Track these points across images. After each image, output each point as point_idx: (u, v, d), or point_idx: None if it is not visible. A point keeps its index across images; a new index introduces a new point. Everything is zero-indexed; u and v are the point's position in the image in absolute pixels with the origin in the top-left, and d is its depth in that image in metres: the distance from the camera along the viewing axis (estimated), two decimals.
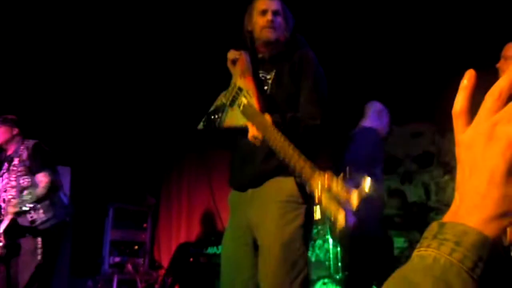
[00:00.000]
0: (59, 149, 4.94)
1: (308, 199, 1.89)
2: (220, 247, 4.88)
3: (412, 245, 3.96)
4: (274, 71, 2.11)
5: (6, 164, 3.48)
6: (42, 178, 3.31)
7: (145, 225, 5.87)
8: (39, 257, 3.21)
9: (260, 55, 2.20)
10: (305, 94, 2.03)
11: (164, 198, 6.23)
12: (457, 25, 4.18)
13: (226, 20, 4.63)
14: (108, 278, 5.23)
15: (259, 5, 2.16)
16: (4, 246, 3.24)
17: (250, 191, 2.01)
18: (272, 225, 1.85)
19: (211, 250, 4.99)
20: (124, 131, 5.96)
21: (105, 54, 5.26)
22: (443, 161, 5.02)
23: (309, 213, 1.91)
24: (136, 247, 5.74)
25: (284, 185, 1.90)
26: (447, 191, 4.84)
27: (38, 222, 3.28)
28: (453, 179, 4.89)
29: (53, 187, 3.36)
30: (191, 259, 5.08)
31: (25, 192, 3.28)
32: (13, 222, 3.26)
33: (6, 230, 3.24)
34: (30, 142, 3.47)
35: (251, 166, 1.98)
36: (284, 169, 1.76)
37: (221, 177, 5.65)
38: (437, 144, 5.10)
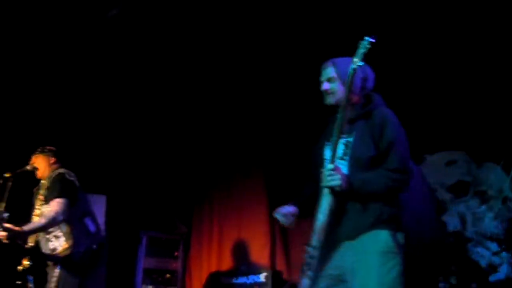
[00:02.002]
0: (95, 178, 5.11)
1: (401, 250, 2.10)
2: (250, 277, 4.88)
3: (446, 278, 3.83)
4: (354, 133, 2.24)
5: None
6: (50, 207, 3.31)
7: (176, 253, 5.91)
8: (52, 285, 3.22)
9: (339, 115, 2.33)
10: (389, 158, 2.17)
11: (196, 227, 6.28)
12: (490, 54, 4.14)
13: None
14: None
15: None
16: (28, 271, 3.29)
17: (345, 242, 2.18)
18: (373, 274, 2.02)
19: (241, 280, 4.97)
20: (157, 161, 6.09)
21: (141, 86, 5.44)
22: (478, 191, 4.88)
23: (403, 262, 2.09)
24: (168, 275, 5.77)
25: (380, 237, 2.10)
26: (485, 222, 4.69)
27: (59, 249, 3.32)
28: (490, 209, 4.74)
29: (61, 218, 3.30)
30: None
31: None
32: (35, 250, 3.32)
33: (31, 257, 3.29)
34: (56, 172, 3.51)
35: (348, 221, 2.15)
36: (379, 223, 2.05)
37: (251, 208, 5.69)
38: (472, 174, 4.97)
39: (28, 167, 3.55)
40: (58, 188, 3.37)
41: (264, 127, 5.62)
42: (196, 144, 6.08)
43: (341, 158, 2.21)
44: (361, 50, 2.18)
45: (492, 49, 4.11)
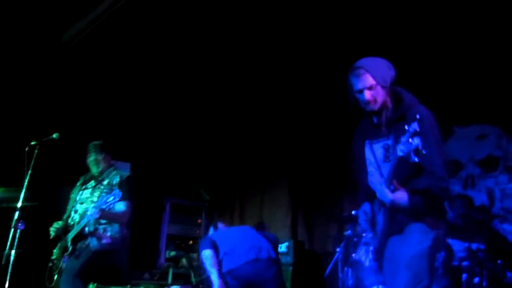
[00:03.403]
0: (121, 145, 5.14)
1: (435, 229, 2.28)
2: None
3: (473, 255, 3.77)
4: (392, 135, 2.28)
5: (92, 182, 3.62)
6: (123, 208, 3.44)
7: (199, 220, 5.98)
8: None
9: (375, 121, 2.36)
10: (430, 158, 2.16)
11: (219, 195, 6.33)
12: None
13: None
14: (164, 271, 5.39)
15: (354, 86, 2.30)
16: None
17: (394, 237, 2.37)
18: (411, 243, 2.26)
19: None
20: (182, 130, 6.09)
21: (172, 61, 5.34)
22: (509, 166, 4.73)
23: (437, 239, 2.27)
24: (191, 242, 5.87)
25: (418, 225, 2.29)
26: None
27: (102, 240, 3.38)
28: None
29: (128, 219, 3.48)
30: None
31: None
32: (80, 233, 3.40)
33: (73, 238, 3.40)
34: (124, 172, 3.62)
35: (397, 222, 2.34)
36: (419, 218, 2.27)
37: (273, 180, 5.69)
38: (503, 148, 4.82)
39: (54, 136, 3.57)
40: (128, 191, 3.49)
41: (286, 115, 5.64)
42: (224, 117, 6.03)
43: (384, 161, 2.32)
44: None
45: None
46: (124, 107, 5.76)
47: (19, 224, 3.26)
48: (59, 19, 4.60)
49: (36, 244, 3.78)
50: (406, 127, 2.03)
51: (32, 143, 3.50)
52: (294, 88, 5.42)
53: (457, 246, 3.99)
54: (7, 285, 3.19)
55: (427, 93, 4.60)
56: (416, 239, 2.22)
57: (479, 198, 4.83)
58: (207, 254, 3.69)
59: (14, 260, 3.22)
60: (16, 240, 3.26)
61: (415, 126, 2.00)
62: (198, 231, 5.94)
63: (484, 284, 3.65)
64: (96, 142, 3.74)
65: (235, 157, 6.27)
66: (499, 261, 3.89)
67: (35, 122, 4.87)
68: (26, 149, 3.46)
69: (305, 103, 5.47)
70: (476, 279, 3.69)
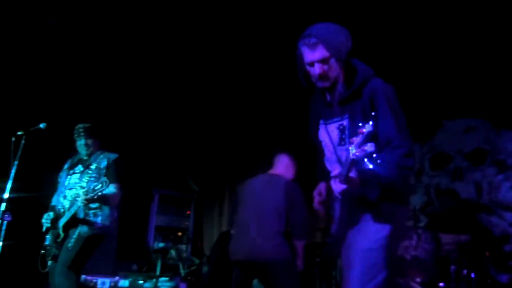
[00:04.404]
0: (108, 135, 5.07)
1: (393, 216, 2.09)
2: None
3: (461, 247, 3.82)
4: (347, 115, 2.07)
5: (80, 166, 3.54)
6: (113, 190, 3.36)
7: (188, 212, 5.95)
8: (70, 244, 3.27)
9: (328, 99, 2.15)
10: (384, 130, 1.97)
11: (208, 186, 6.29)
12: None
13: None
14: (152, 262, 5.37)
15: (305, 57, 2.07)
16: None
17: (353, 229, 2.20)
18: (364, 234, 2.10)
19: None
20: (170, 120, 6.03)
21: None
22: (497, 160, 4.79)
23: (396, 228, 2.09)
24: (180, 233, 5.84)
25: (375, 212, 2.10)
26: (501, 191, 4.63)
27: (93, 226, 3.33)
28: (508, 178, 4.66)
29: (117, 202, 3.44)
30: None
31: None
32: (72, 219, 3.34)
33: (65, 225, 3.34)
34: (111, 155, 3.54)
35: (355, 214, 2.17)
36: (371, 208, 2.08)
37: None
38: (491, 142, 4.87)
39: (41, 126, 3.50)
40: (117, 173, 3.45)
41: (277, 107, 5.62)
42: (213, 108, 5.98)
43: (339, 144, 2.09)
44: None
45: None
46: (112, 97, 5.68)
47: (6, 216, 3.19)
48: (45, 6, 4.50)
49: (23, 236, 3.72)
50: (361, 129, 1.79)
51: (19, 133, 3.43)
52: (284, 81, 5.40)
53: (446, 238, 4.03)
54: None
55: (417, 87, 4.64)
56: (371, 230, 2.03)
57: (467, 190, 4.88)
58: None
59: (0, 253, 3.16)
60: (3, 232, 3.20)
61: (369, 127, 1.77)
62: (186, 223, 5.91)
63: (472, 275, 3.70)
64: (86, 125, 3.62)
65: (224, 148, 6.24)
66: (486, 254, 3.94)
67: (21, 112, 4.77)
68: (13, 139, 3.39)
69: (295, 97, 5.45)
70: (465, 271, 3.73)
